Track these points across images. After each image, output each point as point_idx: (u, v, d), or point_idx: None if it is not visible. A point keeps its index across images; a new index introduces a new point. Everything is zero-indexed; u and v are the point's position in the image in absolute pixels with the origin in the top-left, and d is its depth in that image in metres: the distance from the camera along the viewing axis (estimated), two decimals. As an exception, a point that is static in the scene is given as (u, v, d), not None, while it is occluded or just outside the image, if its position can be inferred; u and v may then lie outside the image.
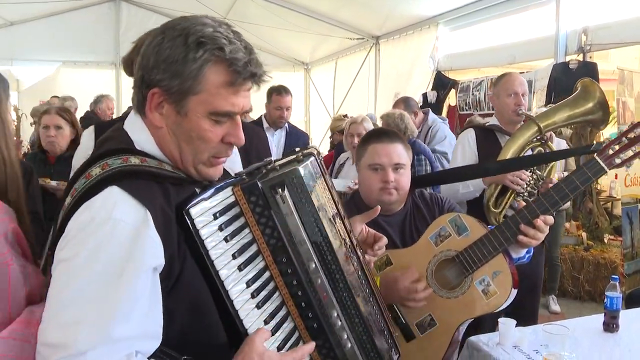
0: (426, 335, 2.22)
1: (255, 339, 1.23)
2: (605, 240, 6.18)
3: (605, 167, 2.19)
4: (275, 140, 5.13)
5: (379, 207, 1.90)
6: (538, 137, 3.30)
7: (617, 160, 2.20)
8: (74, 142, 3.82)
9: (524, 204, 3.20)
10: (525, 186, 3.24)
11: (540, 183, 3.26)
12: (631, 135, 2.21)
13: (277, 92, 5.00)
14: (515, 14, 7.12)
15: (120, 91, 11.44)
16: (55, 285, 1.12)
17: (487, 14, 7.34)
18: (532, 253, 2.38)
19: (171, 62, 1.21)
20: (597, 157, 2.19)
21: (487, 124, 3.72)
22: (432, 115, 5.54)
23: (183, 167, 1.30)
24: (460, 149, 3.58)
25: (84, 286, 1.10)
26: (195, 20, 1.25)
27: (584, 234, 6.09)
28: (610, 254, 5.79)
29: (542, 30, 6.68)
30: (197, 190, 1.29)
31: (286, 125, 5.26)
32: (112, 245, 1.11)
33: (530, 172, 3.26)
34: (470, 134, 3.57)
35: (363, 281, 1.49)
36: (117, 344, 1.10)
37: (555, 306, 5.47)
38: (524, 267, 3.43)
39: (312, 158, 1.40)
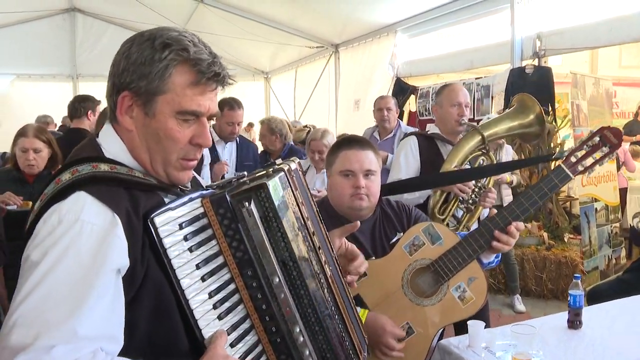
0: (405, 343, 2.25)
1: (216, 345, 1.24)
2: (566, 239, 6.33)
3: (571, 174, 2.32)
4: (227, 154, 4.95)
5: (358, 223, 1.89)
6: (481, 147, 3.38)
7: (580, 168, 2.33)
8: (51, 160, 3.77)
9: (462, 211, 3.31)
10: (470, 194, 3.30)
11: (482, 192, 3.33)
12: (590, 143, 2.33)
13: (230, 107, 4.76)
14: (471, 20, 7.27)
15: (77, 104, 11.21)
16: (21, 289, 1.12)
17: (444, 21, 7.47)
18: (500, 257, 2.45)
19: (139, 64, 1.26)
20: (562, 165, 2.32)
21: (429, 132, 3.74)
22: (403, 124, 5.70)
23: (154, 172, 1.33)
24: (403, 155, 3.57)
25: (50, 289, 1.10)
26: (163, 27, 1.32)
27: (545, 234, 6.22)
28: (571, 253, 5.93)
29: (499, 36, 6.85)
30: (165, 199, 1.31)
31: (236, 137, 5.08)
32: (79, 247, 1.14)
33: (474, 181, 3.33)
34: (412, 141, 3.58)
35: (329, 299, 1.49)
36: (80, 342, 1.10)
37: (520, 305, 5.57)
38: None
39: (282, 174, 1.42)
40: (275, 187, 1.35)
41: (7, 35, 10.91)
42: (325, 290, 1.48)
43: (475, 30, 7.89)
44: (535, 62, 6.06)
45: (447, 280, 2.26)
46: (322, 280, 1.48)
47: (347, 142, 2.50)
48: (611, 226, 6.26)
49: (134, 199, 1.25)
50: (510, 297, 5.71)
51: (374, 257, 2.40)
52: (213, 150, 4.81)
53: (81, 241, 1.14)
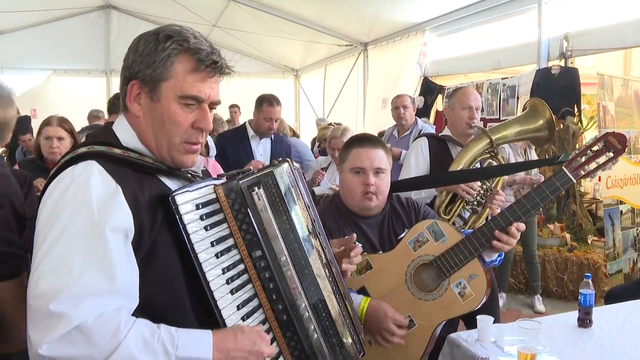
0: (405, 336, 2.32)
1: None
2: (589, 241, 6.25)
3: (572, 178, 2.34)
4: (261, 149, 4.96)
5: (355, 235, 1.99)
6: (489, 150, 3.42)
7: (582, 172, 2.34)
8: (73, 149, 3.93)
9: (469, 213, 3.34)
10: (475, 195, 3.34)
11: (488, 194, 3.37)
12: (595, 148, 2.34)
13: (269, 103, 4.75)
14: (499, 20, 7.26)
15: (111, 99, 11.47)
16: (43, 244, 1.24)
17: (472, 21, 7.48)
18: (503, 256, 2.50)
19: (145, 55, 1.41)
20: (565, 169, 2.34)
21: (440, 135, 3.81)
22: (420, 122, 5.72)
23: (159, 155, 1.45)
24: (413, 156, 3.64)
25: (69, 243, 1.22)
26: (167, 24, 1.48)
27: (567, 236, 6.16)
28: (594, 255, 5.86)
29: (525, 36, 6.83)
30: (172, 186, 1.44)
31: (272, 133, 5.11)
32: (88, 207, 1.26)
33: (480, 182, 3.37)
34: (423, 142, 3.66)
35: (330, 279, 1.60)
36: (105, 297, 1.21)
37: (540, 306, 5.55)
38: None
39: (287, 164, 1.54)
40: (281, 175, 1.47)
41: (45, 32, 11.22)
42: (327, 270, 1.59)
43: (502, 30, 7.87)
44: (562, 63, 6.02)
45: (449, 277, 2.33)
46: (323, 261, 1.59)
47: (358, 139, 2.57)
48: (637, 229, 6.18)
49: (141, 180, 1.37)
50: (530, 297, 5.70)
51: (381, 252, 2.48)
52: (247, 146, 4.88)
53: (91, 202, 1.26)
